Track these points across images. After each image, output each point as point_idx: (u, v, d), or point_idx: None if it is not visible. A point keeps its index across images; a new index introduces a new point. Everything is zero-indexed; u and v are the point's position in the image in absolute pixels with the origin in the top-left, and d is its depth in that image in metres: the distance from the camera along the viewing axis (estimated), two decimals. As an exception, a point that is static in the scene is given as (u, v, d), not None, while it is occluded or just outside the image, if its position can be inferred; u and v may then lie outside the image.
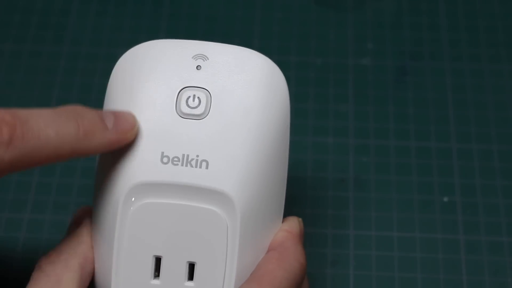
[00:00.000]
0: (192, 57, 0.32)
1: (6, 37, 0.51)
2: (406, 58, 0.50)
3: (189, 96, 0.32)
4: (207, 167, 0.31)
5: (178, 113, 0.31)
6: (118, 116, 0.31)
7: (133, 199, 0.31)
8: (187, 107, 0.31)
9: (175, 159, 0.31)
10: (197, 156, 0.31)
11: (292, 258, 0.32)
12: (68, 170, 0.45)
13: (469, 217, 0.43)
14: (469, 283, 0.41)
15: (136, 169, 0.31)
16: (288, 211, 0.35)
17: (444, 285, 0.41)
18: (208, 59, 0.32)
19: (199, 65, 0.32)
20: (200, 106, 0.31)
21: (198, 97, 0.32)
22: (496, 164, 0.45)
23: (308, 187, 0.45)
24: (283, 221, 0.34)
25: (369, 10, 0.52)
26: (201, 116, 0.31)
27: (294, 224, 0.34)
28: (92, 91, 0.48)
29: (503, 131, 0.47)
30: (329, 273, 0.42)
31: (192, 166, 0.31)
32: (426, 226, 0.43)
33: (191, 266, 0.31)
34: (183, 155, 0.31)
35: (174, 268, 0.31)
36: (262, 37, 0.51)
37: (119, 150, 0.31)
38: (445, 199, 0.44)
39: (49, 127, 0.28)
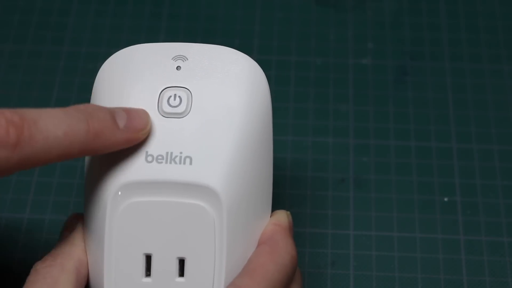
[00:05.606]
0: (172, 59, 0.33)
1: (6, 37, 0.51)
2: (406, 58, 0.50)
3: (170, 96, 0.32)
4: (191, 163, 0.31)
5: (160, 113, 0.32)
6: (131, 114, 0.31)
7: (120, 199, 0.31)
8: (168, 106, 0.32)
9: (159, 157, 0.31)
10: (181, 152, 0.31)
11: (283, 251, 0.32)
12: (68, 170, 0.45)
13: (469, 217, 0.43)
14: (469, 283, 0.41)
15: (121, 170, 0.31)
16: (289, 211, 0.35)
17: (444, 285, 0.41)
18: (187, 59, 0.33)
19: (179, 66, 0.33)
20: (181, 104, 0.32)
21: (179, 96, 0.32)
22: (496, 164, 0.45)
23: (308, 187, 0.44)
24: (271, 215, 0.34)
25: (369, 10, 0.52)
26: (183, 114, 0.32)
27: (282, 217, 0.34)
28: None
29: (503, 131, 0.47)
30: (329, 273, 0.42)
31: (176, 163, 0.31)
32: (426, 226, 0.43)
33: (181, 262, 0.31)
34: (167, 152, 0.31)
35: (164, 265, 0.31)
36: (262, 37, 0.51)
37: None
38: (445, 199, 0.44)
39: (58, 128, 0.28)
